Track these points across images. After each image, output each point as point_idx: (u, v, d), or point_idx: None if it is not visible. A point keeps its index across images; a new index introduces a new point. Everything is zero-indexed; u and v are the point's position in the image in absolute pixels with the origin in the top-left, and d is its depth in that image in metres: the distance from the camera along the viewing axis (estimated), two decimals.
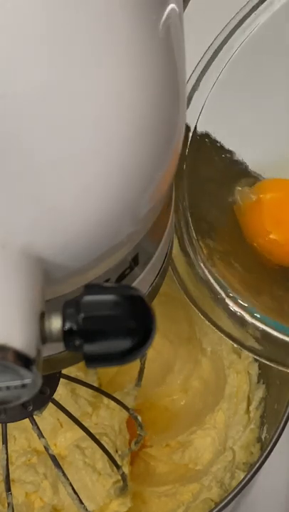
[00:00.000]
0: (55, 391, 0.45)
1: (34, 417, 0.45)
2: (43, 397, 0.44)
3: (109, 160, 0.26)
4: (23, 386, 0.26)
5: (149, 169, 0.27)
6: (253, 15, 0.57)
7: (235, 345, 0.47)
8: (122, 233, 0.28)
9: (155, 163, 0.27)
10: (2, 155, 0.25)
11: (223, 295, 0.44)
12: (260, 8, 0.55)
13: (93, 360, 0.27)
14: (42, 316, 0.26)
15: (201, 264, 0.45)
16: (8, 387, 0.26)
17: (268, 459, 0.47)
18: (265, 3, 0.55)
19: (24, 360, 0.25)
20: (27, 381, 0.26)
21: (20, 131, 0.25)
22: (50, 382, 0.45)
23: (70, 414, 0.48)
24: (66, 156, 0.25)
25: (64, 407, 0.48)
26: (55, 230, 0.26)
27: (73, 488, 0.48)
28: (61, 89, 0.25)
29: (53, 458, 0.48)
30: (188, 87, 0.53)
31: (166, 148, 0.28)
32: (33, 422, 0.46)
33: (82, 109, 0.25)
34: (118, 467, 0.51)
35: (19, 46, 0.25)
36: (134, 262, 0.32)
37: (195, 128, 0.50)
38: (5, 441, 0.48)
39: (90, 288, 0.27)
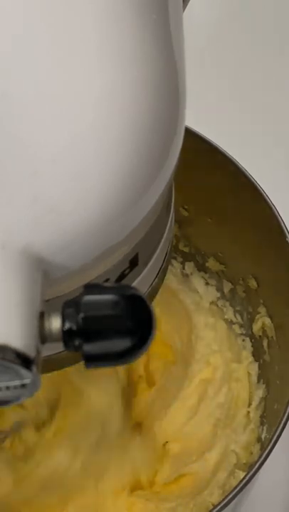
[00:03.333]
0: None
1: None
2: None
3: (108, 160, 0.26)
4: (23, 386, 0.26)
5: (148, 170, 0.27)
6: None
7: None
8: (122, 233, 0.28)
9: (155, 164, 0.27)
10: (1, 155, 0.25)
11: None
12: None
13: (93, 360, 0.27)
14: (42, 316, 0.26)
15: None
16: (7, 387, 0.26)
17: (268, 459, 0.47)
18: None
19: (24, 360, 0.25)
20: (26, 381, 0.26)
21: (20, 130, 0.25)
22: None
23: None
24: (66, 156, 0.25)
25: None
26: (54, 230, 0.26)
27: None
28: (60, 89, 0.26)
29: None
30: None
31: (167, 149, 0.28)
32: None
33: (81, 109, 0.26)
34: None
35: (19, 47, 0.25)
36: (134, 261, 0.32)
37: None
38: None
39: (90, 288, 0.27)
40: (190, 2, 0.39)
